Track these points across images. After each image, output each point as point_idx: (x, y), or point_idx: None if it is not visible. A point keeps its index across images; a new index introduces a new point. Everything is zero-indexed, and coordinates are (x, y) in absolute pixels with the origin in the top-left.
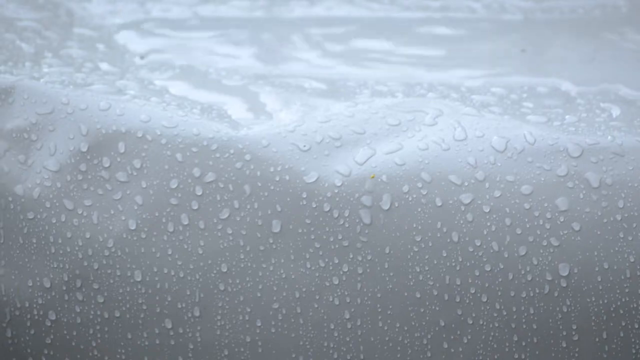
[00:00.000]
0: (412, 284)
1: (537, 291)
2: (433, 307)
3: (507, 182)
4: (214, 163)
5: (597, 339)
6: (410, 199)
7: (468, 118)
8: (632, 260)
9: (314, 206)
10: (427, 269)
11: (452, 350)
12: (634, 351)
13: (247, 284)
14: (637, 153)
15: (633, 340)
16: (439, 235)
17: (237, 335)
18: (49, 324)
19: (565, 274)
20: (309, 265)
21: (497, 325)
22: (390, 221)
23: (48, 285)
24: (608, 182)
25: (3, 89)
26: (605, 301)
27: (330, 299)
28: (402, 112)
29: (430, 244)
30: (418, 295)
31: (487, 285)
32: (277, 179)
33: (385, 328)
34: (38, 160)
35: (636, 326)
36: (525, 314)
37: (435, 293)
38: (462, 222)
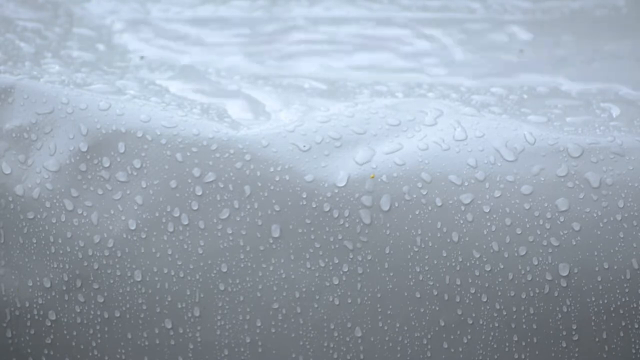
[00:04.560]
0: (412, 284)
1: (537, 291)
2: (433, 307)
3: (507, 182)
4: (214, 163)
5: (597, 339)
6: (410, 199)
7: (468, 118)
8: (632, 260)
9: (314, 206)
10: (427, 269)
11: (452, 350)
12: (634, 351)
13: (247, 284)
14: (637, 153)
15: (633, 340)
16: (439, 235)
17: (237, 335)
18: (49, 324)
19: (565, 274)
20: (309, 265)
21: (497, 325)
22: (390, 221)
23: (48, 285)
24: (608, 182)
25: (3, 89)
26: (605, 301)
27: (330, 299)
28: (402, 112)
29: (430, 244)
30: (418, 295)
31: (487, 285)
32: (277, 179)
33: (385, 328)
34: (38, 160)
35: (636, 326)
36: (525, 314)
37: (435, 293)
38: (462, 222)
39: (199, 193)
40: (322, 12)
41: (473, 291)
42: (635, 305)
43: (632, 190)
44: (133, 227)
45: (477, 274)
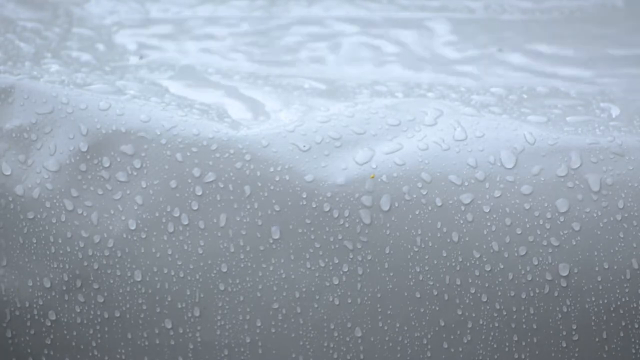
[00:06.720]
0: (412, 284)
1: (537, 291)
2: (433, 307)
3: (507, 182)
4: (214, 163)
5: (597, 339)
6: (410, 199)
7: (468, 118)
8: (632, 260)
9: (314, 206)
10: (427, 269)
11: (452, 350)
12: (633, 351)
13: (247, 284)
14: (637, 153)
15: (633, 340)
16: (439, 235)
17: (237, 335)
18: (49, 324)
19: (565, 274)
20: (309, 265)
21: (497, 325)
22: (390, 221)
23: (48, 285)
24: (608, 182)
25: (3, 89)
26: (605, 301)
27: (330, 299)
28: (402, 112)
29: (430, 244)
30: (418, 295)
31: (487, 285)
32: (277, 179)
33: (385, 328)
34: (38, 160)
35: (636, 326)
36: (525, 314)
37: (435, 293)
38: (462, 222)
39: (199, 193)
40: (322, 12)
41: (473, 291)
42: (635, 305)
43: (632, 190)
44: (133, 227)
45: (477, 274)
